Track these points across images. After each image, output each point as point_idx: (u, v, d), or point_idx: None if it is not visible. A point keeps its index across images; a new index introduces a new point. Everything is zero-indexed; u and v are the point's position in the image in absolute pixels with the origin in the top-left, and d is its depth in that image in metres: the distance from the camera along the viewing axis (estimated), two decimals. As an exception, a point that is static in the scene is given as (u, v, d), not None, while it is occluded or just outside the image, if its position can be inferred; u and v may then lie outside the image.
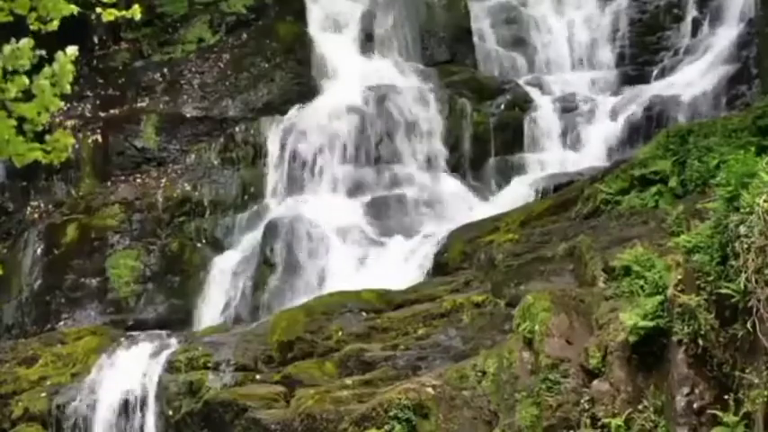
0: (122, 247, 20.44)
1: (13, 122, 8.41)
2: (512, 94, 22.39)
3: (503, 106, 22.18)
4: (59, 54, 8.33)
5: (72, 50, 8.33)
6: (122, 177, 21.65)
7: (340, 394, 14.59)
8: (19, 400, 16.47)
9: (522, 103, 22.22)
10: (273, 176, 21.31)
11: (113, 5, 9.13)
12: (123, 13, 9.04)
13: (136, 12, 8.99)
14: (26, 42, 8.29)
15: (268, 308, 19.00)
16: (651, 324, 12.06)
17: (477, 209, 20.33)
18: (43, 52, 8.47)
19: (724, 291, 11.32)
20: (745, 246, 11.02)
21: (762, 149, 13.43)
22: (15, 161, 8.75)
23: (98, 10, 8.97)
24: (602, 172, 18.40)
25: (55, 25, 8.47)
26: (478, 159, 21.69)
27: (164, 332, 18.07)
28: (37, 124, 8.47)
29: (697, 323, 11.51)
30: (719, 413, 11.14)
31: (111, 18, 8.98)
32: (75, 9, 8.51)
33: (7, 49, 8.28)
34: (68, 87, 8.42)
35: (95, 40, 23.14)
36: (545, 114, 22.04)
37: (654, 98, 21.46)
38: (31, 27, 8.49)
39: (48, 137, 8.67)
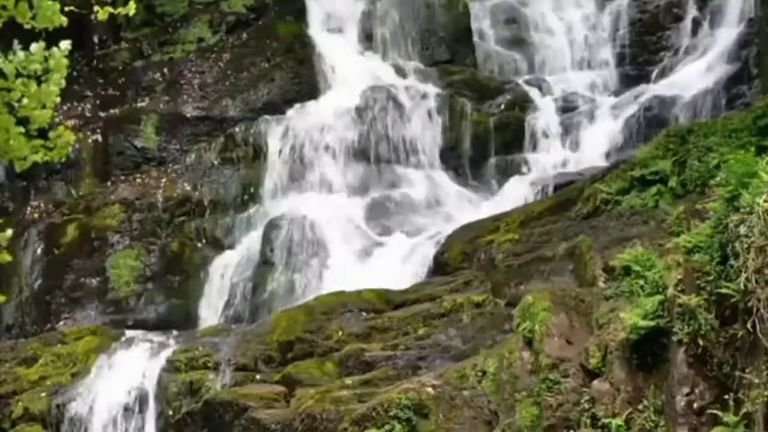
0: (122, 246, 20.43)
1: (21, 129, 8.41)
2: (512, 94, 22.39)
3: (503, 106, 22.18)
4: (54, 50, 8.33)
5: (66, 45, 8.33)
6: (122, 177, 21.64)
7: (340, 394, 14.59)
8: (19, 400, 16.45)
9: (522, 103, 22.21)
10: (273, 176, 21.30)
11: (111, 3, 9.13)
12: (119, 9, 9.02)
13: (131, 8, 8.95)
14: (39, 47, 8.29)
15: (268, 308, 18.99)
16: (651, 324, 12.07)
17: (477, 209, 20.33)
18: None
19: (724, 291, 11.32)
20: (745, 246, 11.02)
21: (762, 149, 13.43)
22: (16, 165, 8.73)
23: (95, 8, 8.96)
24: (602, 172, 18.39)
25: (49, 25, 8.46)
26: (478, 159, 21.69)
27: (164, 332, 18.07)
28: (41, 123, 8.46)
29: (697, 323, 11.51)
30: (719, 413, 11.14)
31: (105, 16, 8.96)
32: (65, 21, 8.50)
33: (21, 54, 8.27)
34: (63, 82, 8.42)
35: (95, 40, 23.13)
36: (545, 114, 22.04)
37: (654, 98, 21.45)
38: (26, 27, 8.48)
39: (50, 134, 8.65)
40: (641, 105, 21.40)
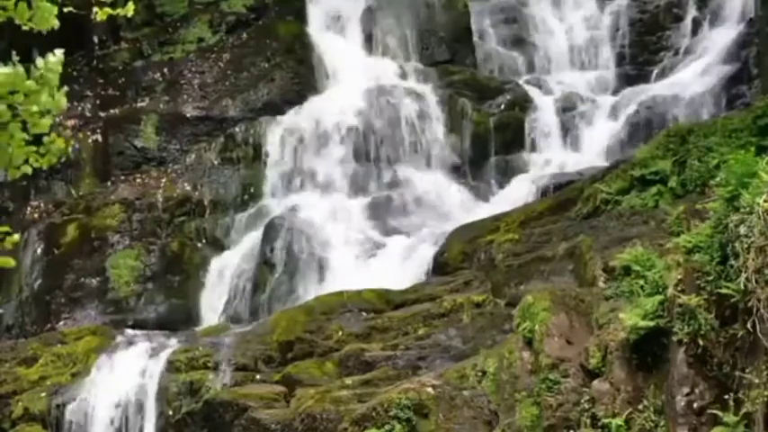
0: (122, 246, 20.43)
1: (25, 136, 8.36)
2: (512, 94, 22.38)
3: (503, 106, 22.18)
4: (48, 56, 8.30)
5: (59, 53, 8.29)
6: (122, 177, 21.65)
7: (340, 394, 14.59)
8: (19, 400, 16.45)
9: (522, 103, 22.21)
10: (273, 176, 21.31)
11: (111, 4, 9.10)
12: (118, 11, 9.00)
13: (129, 9, 8.93)
14: (57, 59, 8.25)
15: (268, 308, 18.99)
16: (651, 324, 12.06)
17: (477, 209, 20.32)
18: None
19: (724, 291, 11.32)
20: (745, 246, 11.02)
21: (762, 149, 13.44)
22: (9, 174, 8.68)
23: (94, 9, 8.94)
24: (602, 172, 18.39)
25: (46, 27, 8.43)
26: (478, 159, 21.69)
27: (164, 332, 18.07)
28: (41, 129, 8.40)
29: (697, 323, 11.51)
30: (719, 413, 11.14)
31: (105, 17, 8.93)
32: (57, 24, 8.48)
33: (40, 62, 8.24)
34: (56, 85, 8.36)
35: (95, 40, 23.14)
36: (545, 114, 22.04)
37: (654, 98, 21.45)
38: (24, 28, 8.45)
39: (45, 138, 8.61)
40: (641, 105, 21.39)
